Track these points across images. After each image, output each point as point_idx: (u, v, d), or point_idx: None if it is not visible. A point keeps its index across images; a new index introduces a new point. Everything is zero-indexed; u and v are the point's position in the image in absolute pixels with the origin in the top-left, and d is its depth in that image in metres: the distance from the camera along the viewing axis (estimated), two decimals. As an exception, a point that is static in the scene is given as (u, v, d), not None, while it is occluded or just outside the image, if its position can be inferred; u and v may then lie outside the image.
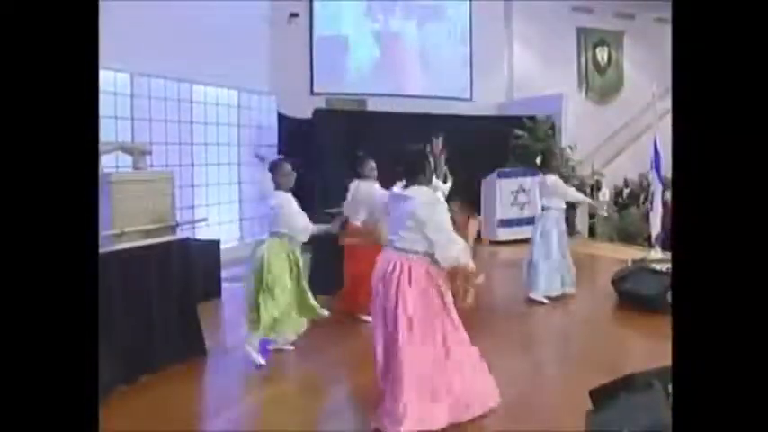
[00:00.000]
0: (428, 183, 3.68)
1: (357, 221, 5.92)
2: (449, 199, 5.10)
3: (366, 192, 5.88)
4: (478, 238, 7.75)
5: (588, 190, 12.61)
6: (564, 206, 6.87)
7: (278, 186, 4.85)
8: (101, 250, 4.09)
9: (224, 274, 7.24)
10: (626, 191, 14.40)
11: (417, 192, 3.55)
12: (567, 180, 8.45)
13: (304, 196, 5.23)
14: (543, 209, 6.81)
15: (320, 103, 12.31)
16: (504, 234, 11.11)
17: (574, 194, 7.07)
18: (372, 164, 6.05)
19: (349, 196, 6.03)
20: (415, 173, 3.62)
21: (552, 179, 6.71)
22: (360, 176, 6.02)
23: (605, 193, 13.87)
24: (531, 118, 12.40)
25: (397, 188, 3.69)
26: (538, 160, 7.08)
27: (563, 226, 6.87)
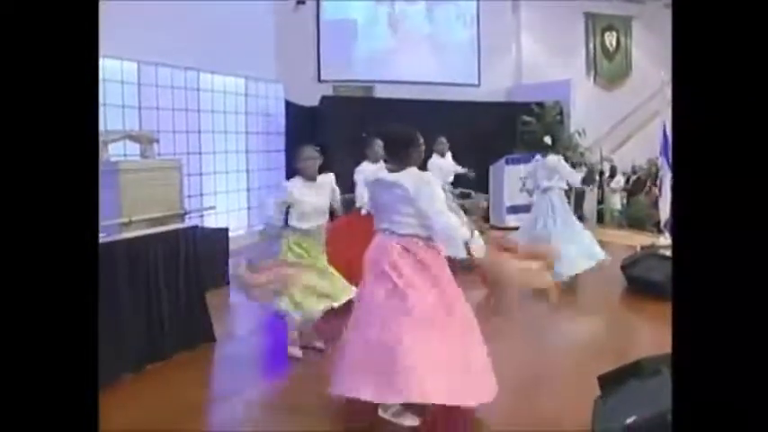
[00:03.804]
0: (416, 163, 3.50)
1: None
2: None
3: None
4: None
5: (597, 177, 12.54)
6: (565, 187, 7.01)
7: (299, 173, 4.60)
8: (109, 239, 4.13)
9: (232, 261, 7.25)
10: (633, 178, 14.29)
11: (408, 175, 3.39)
12: (575, 166, 8.48)
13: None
14: (545, 189, 6.88)
15: (327, 90, 12.29)
16: (513, 220, 11.12)
17: (574, 176, 7.04)
18: (380, 143, 6.08)
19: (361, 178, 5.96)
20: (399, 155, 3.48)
21: (554, 159, 6.82)
22: (367, 158, 6.14)
23: (619, 181, 13.80)
24: (540, 104, 12.36)
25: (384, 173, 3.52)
26: (547, 139, 7.27)
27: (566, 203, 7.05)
